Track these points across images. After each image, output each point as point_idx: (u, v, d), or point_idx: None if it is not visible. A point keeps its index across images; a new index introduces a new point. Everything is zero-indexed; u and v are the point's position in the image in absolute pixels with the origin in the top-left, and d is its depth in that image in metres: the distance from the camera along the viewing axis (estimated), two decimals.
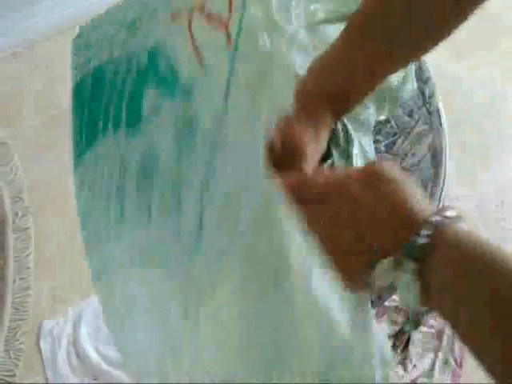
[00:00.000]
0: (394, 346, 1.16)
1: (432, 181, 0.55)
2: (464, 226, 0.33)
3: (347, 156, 0.45)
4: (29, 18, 1.53)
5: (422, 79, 0.60)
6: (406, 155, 0.56)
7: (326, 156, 0.45)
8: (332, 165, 0.45)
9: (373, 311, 0.39)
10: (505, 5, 1.52)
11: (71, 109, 0.49)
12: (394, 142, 0.57)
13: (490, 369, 0.29)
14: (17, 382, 1.18)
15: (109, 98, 0.42)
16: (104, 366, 1.16)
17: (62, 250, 1.29)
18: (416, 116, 0.58)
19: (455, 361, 1.12)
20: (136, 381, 0.40)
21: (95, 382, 1.16)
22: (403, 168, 0.56)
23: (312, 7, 0.44)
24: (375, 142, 0.57)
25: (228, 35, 0.40)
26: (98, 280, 0.44)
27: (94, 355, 1.17)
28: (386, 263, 0.33)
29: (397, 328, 1.16)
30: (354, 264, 0.35)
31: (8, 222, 1.33)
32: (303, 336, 0.35)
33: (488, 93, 1.40)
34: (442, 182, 0.55)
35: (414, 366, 1.11)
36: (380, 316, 1.17)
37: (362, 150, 0.49)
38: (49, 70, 1.53)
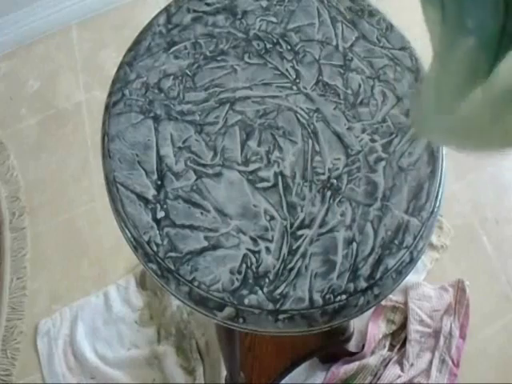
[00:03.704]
0: (391, 346, 1.16)
1: (429, 180, 0.55)
2: None
3: None
4: (25, 18, 1.52)
5: (419, 79, 0.60)
6: (403, 155, 0.57)
7: None
8: None
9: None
10: None
11: None
12: (390, 142, 0.57)
13: None
14: (13, 381, 1.18)
15: None
16: (101, 366, 1.16)
17: (59, 250, 1.29)
18: None
19: (452, 360, 1.12)
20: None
21: (92, 381, 1.16)
22: (400, 168, 0.56)
23: None
24: (372, 141, 0.57)
25: None
26: None
27: (91, 355, 1.17)
28: None
29: (394, 327, 1.16)
30: None
31: (5, 222, 1.33)
32: None
33: None
34: (438, 181, 0.56)
35: (411, 365, 1.12)
36: (377, 315, 1.17)
37: None
38: (45, 70, 1.52)
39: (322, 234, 0.53)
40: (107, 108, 0.59)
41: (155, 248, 0.52)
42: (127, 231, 0.54)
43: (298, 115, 0.59)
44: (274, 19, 0.64)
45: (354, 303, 0.51)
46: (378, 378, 1.10)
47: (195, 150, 0.57)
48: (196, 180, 0.55)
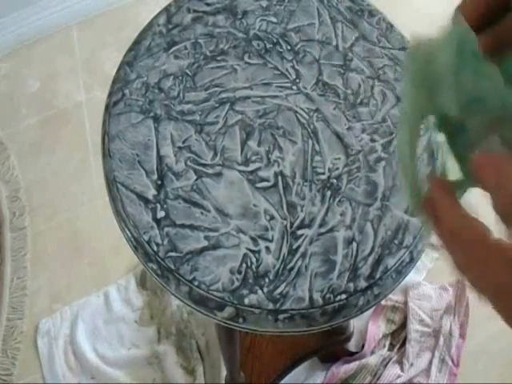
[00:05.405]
0: (391, 345, 1.16)
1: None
2: None
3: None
4: (25, 18, 1.52)
5: None
6: None
7: None
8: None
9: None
10: None
11: None
12: (390, 142, 0.57)
13: None
14: (14, 381, 1.18)
15: None
16: (102, 366, 1.16)
17: (59, 250, 1.29)
18: None
19: (452, 360, 1.12)
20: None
21: (93, 381, 1.16)
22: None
23: None
24: (372, 141, 0.57)
25: None
26: None
27: (91, 355, 1.17)
28: None
29: (394, 327, 1.16)
30: None
31: (5, 222, 1.33)
32: None
33: None
34: None
35: (411, 365, 1.12)
36: (377, 315, 1.17)
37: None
38: (45, 70, 1.52)
39: (322, 234, 0.53)
40: (107, 108, 0.59)
41: (155, 248, 0.52)
42: (127, 231, 0.54)
43: (298, 115, 0.59)
44: (274, 19, 0.64)
45: (354, 303, 0.51)
46: (378, 378, 1.10)
47: (195, 149, 0.57)
48: (196, 180, 0.55)
